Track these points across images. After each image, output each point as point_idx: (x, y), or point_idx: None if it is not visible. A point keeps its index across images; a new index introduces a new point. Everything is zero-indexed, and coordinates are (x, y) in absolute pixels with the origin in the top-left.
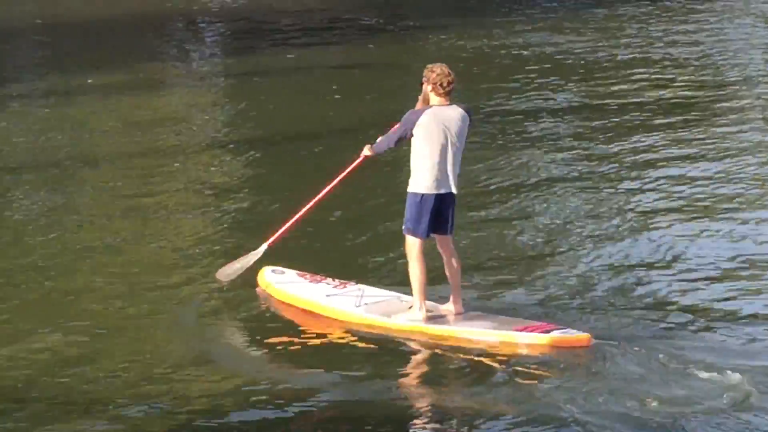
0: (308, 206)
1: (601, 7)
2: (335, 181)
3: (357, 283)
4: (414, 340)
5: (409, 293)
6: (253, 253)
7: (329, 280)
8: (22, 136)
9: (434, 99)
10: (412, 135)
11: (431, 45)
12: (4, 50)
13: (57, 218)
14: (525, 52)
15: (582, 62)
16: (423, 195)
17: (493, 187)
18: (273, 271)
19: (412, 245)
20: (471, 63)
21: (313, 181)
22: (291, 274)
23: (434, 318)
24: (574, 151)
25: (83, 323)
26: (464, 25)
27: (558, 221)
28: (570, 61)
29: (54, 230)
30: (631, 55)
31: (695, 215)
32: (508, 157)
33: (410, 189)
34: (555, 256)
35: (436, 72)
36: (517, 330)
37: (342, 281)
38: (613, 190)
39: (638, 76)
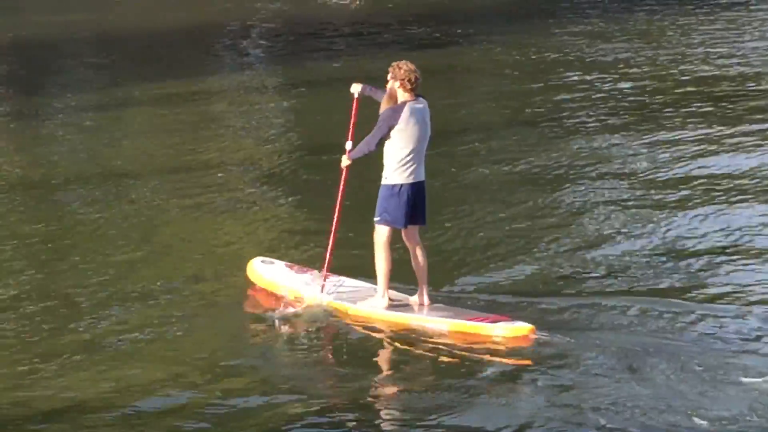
0: (332, 235)
1: (641, 13)
2: (339, 200)
3: (340, 275)
4: (375, 328)
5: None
6: (316, 297)
7: (315, 271)
8: (75, 147)
9: (402, 95)
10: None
11: (476, 53)
12: (56, 61)
13: (106, 226)
14: (570, 57)
15: (622, 64)
16: (401, 185)
17: (519, 187)
18: (262, 261)
19: (382, 236)
20: (515, 68)
21: (355, 187)
22: (279, 264)
23: (396, 306)
24: (603, 149)
25: (130, 323)
26: (509, 33)
27: (585, 213)
28: (610, 63)
29: (103, 237)
30: (670, 56)
31: (721, 207)
32: (539, 153)
33: (386, 182)
34: (579, 248)
35: (403, 69)
36: (467, 320)
37: (327, 273)
38: (640, 184)
39: (676, 77)
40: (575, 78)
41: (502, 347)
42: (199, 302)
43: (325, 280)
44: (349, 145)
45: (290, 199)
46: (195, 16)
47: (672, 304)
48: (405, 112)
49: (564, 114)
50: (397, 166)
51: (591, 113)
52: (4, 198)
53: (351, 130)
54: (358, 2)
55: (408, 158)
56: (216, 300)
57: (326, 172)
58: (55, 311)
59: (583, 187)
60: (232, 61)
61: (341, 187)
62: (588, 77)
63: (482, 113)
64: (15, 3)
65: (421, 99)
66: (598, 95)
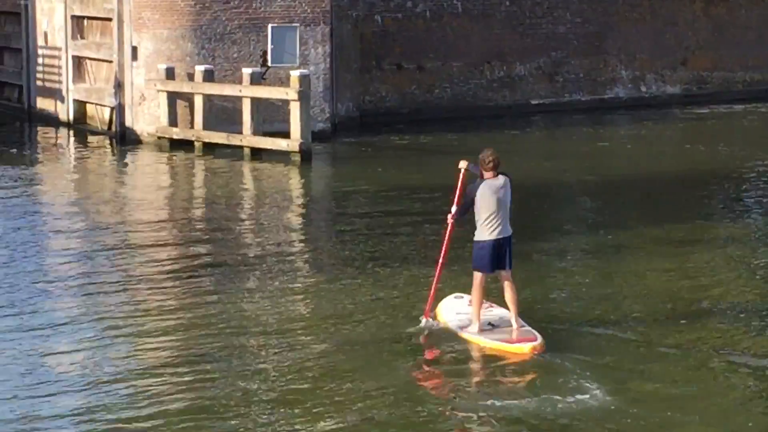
0: (435, 282)
1: None
2: (443, 251)
3: (496, 306)
4: (471, 347)
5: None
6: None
7: (487, 304)
8: (577, 287)
9: (486, 173)
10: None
11: None
12: (547, 204)
13: None
14: None
15: None
16: (483, 242)
17: None
18: (455, 297)
19: (476, 279)
20: None
21: None
22: (466, 298)
23: (484, 331)
24: None
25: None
26: None
27: None
28: None
29: None
30: None
31: None
32: None
33: (475, 238)
34: None
35: (484, 154)
36: (500, 341)
37: (491, 304)
38: None
39: None
40: None
41: (513, 361)
42: None
43: (427, 318)
44: (453, 209)
45: None
46: (683, 164)
47: None
48: (481, 187)
49: None
50: (480, 226)
51: None
52: None
53: (457, 197)
54: None
55: (488, 221)
56: None
57: None
58: None
59: None
60: (730, 209)
61: (446, 240)
62: None
63: None
64: (508, 146)
65: (500, 176)
66: None
